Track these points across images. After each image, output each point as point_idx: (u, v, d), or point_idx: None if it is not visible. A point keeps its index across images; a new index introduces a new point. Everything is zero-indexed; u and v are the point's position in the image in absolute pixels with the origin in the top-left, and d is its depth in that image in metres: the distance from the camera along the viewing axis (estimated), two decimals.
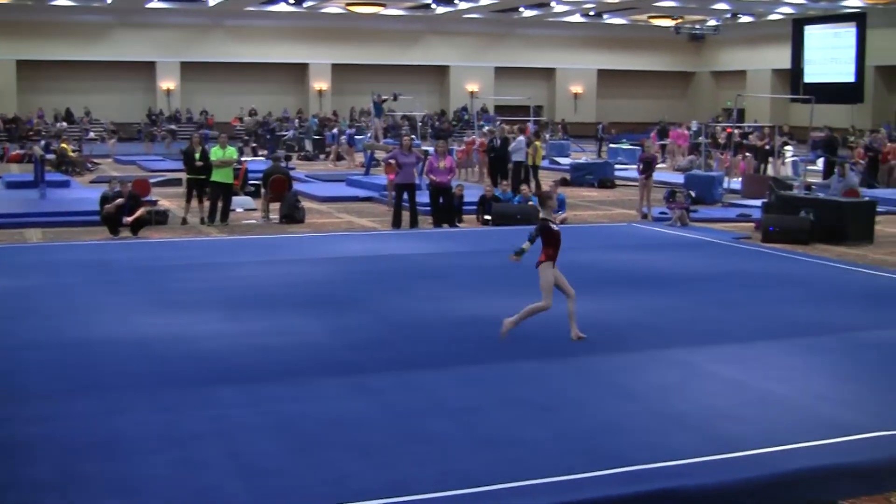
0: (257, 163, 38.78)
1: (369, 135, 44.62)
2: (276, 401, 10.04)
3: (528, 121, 42.51)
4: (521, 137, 32.42)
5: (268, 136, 48.82)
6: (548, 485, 7.94)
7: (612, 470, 8.23)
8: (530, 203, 25.65)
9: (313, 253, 19.96)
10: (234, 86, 65.07)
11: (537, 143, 33.73)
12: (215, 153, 24.38)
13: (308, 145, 51.30)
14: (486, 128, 41.92)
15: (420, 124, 53.04)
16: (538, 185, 31.77)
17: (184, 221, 24.76)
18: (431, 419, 9.50)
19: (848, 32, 59.04)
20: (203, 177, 24.50)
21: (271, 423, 9.35)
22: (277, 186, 25.92)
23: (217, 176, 24.37)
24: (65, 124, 58.09)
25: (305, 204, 27.10)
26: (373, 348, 12.26)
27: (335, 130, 49.39)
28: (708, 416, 9.67)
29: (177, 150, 41.55)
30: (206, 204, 24.75)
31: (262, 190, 26.60)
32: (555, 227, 12.81)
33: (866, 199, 25.32)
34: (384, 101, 39.04)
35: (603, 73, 73.19)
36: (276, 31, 64.16)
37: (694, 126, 51.32)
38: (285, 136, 53.11)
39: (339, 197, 31.20)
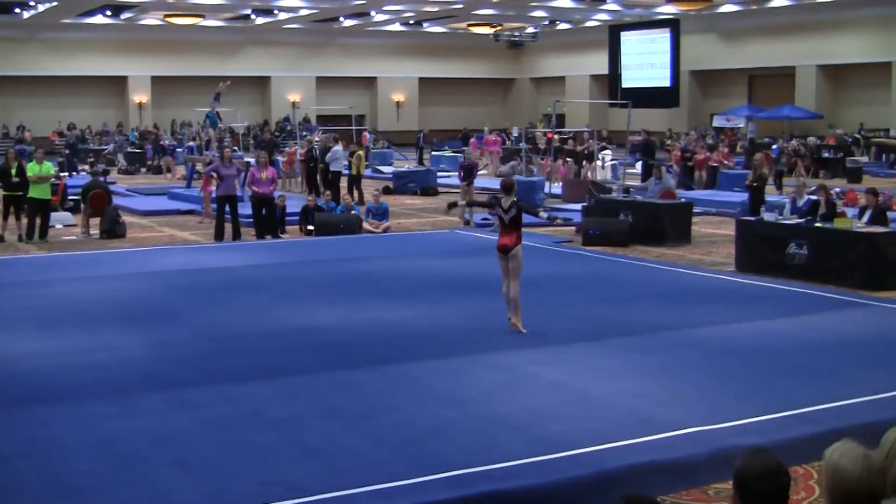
0: (74, 178, 38.05)
1: (186, 145, 44.10)
2: (95, 418, 9.86)
3: (365, 130, 42.49)
4: (338, 147, 32.47)
5: (67, 152, 46.92)
6: (372, 492, 7.94)
7: (436, 475, 8.25)
8: (353, 212, 25.70)
9: (134, 268, 19.68)
10: (53, 99, 63.68)
11: (360, 152, 33.78)
12: (32, 169, 23.94)
13: (121, 159, 50.38)
14: (307, 136, 41.73)
15: (242, 135, 52.62)
16: (360, 195, 31.84)
17: (1, 239, 24.21)
18: (253, 431, 9.46)
19: (663, 38, 60.32)
20: (20, 193, 24.03)
21: (90, 442, 9.20)
22: (97, 201, 25.54)
23: (34, 192, 23.92)
24: None
25: (126, 218, 26.72)
26: (194, 362, 12.15)
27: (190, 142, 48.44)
28: (530, 418, 9.77)
29: None
30: (24, 221, 24.27)
31: (82, 205, 26.16)
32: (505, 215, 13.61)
33: (683, 200, 25.89)
34: (217, 111, 38.78)
35: (424, 81, 73.50)
36: (94, 43, 62.98)
37: (515, 132, 51.85)
38: (105, 150, 52.23)
39: (161, 210, 30.86)
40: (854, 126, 53.55)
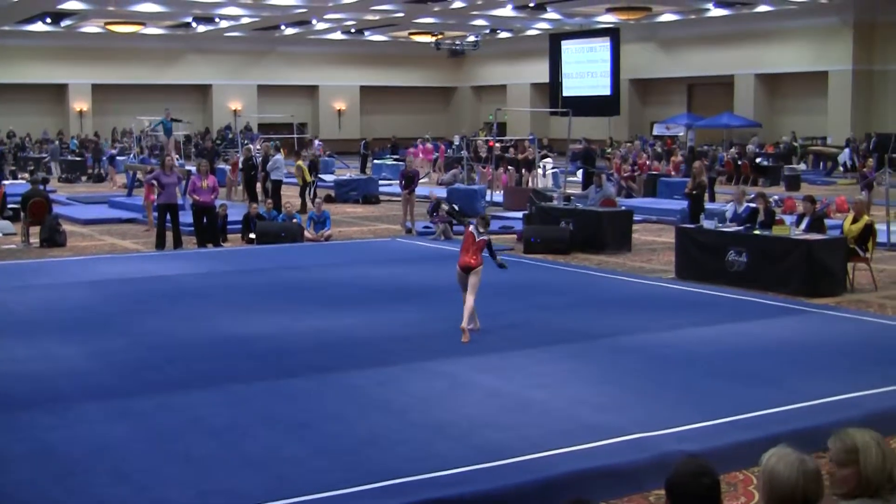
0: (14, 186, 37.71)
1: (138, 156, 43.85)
2: (35, 428, 9.79)
3: (314, 138, 42.28)
4: (279, 156, 32.44)
5: None
6: (313, 501, 7.94)
7: (377, 483, 8.23)
8: (294, 221, 25.63)
9: (75, 277, 19.53)
10: None
11: (299, 162, 33.77)
12: None
13: (55, 168, 49.85)
14: (247, 144, 41.61)
15: (183, 143, 52.33)
16: (303, 203, 31.77)
17: None
18: (193, 440, 9.42)
19: (603, 47, 60.64)
20: None
21: (30, 452, 9.13)
22: (37, 210, 25.33)
23: None
24: None
25: (67, 227, 26.51)
26: (135, 371, 12.07)
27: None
28: (470, 426, 9.79)
29: None
30: None
31: (21, 214, 25.95)
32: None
33: (623, 208, 26.03)
34: (173, 119, 38.72)
35: (366, 90, 73.45)
36: (34, 51, 62.43)
37: (456, 140, 51.84)
38: (45, 158, 51.80)
39: (102, 219, 30.63)
40: (789, 134, 54.12)
